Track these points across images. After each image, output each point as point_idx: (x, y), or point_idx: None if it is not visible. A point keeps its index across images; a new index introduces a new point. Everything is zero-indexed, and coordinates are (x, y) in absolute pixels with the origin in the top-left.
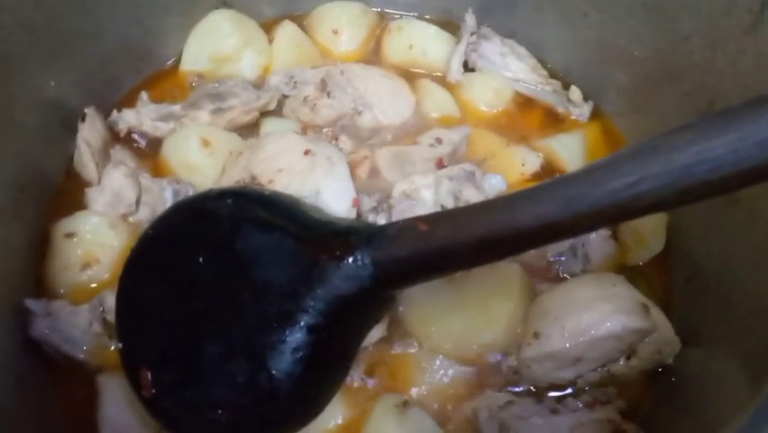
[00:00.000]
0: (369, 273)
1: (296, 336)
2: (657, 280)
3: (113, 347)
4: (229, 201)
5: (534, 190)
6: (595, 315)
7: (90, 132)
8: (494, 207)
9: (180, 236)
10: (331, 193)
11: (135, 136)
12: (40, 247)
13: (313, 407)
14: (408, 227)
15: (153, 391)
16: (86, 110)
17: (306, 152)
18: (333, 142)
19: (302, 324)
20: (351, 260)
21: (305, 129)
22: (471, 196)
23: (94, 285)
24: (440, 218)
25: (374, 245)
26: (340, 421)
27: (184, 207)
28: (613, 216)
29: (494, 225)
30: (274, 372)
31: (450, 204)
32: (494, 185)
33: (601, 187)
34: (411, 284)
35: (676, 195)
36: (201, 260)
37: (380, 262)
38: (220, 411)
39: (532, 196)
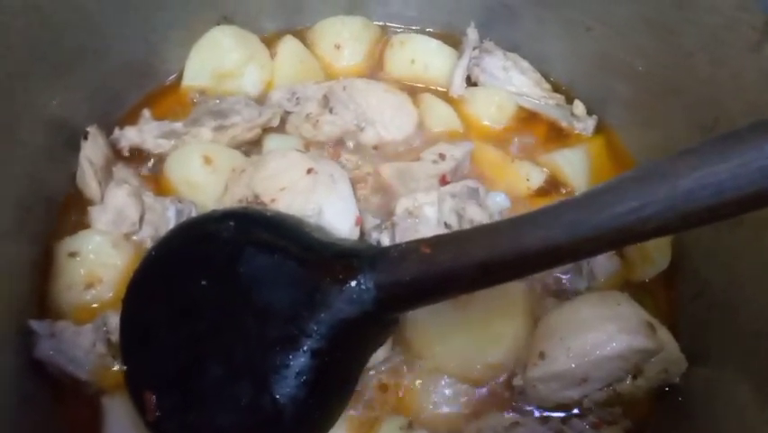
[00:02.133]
0: (372, 297)
1: (299, 360)
2: (663, 297)
3: (116, 368)
4: (231, 223)
5: (539, 214)
6: (600, 335)
7: (93, 150)
8: (498, 231)
9: (183, 259)
10: (333, 212)
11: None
12: (43, 267)
13: (316, 431)
14: (411, 250)
15: (157, 414)
16: (88, 128)
17: (309, 171)
18: (336, 158)
19: (305, 348)
20: (353, 283)
21: (307, 146)
22: (475, 214)
23: (97, 305)
24: (443, 241)
25: (377, 268)
26: None
27: (186, 228)
28: (617, 240)
29: (498, 248)
30: (278, 396)
31: (453, 221)
32: (498, 202)
33: (606, 211)
34: (414, 307)
35: (680, 219)
36: (204, 283)
37: (383, 285)
38: None
39: (536, 219)
